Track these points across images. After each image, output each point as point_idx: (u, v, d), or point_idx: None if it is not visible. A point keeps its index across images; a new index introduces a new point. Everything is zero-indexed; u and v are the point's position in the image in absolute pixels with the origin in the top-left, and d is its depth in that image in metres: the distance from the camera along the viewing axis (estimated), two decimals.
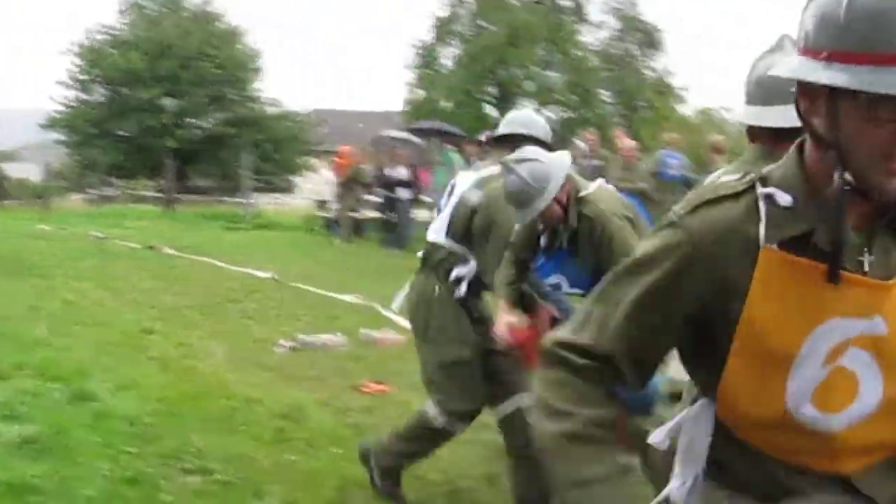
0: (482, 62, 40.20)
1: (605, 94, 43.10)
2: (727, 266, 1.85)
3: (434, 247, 5.10)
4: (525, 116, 5.22)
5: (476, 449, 6.20)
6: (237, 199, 28.21)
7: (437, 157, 21.13)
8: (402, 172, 20.23)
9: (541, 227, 4.43)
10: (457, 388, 4.94)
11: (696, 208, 1.90)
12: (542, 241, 4.46)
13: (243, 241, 20.46)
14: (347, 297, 12.57)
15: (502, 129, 4.99)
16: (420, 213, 22.48)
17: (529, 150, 4.39)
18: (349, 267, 16.67)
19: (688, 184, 13.72)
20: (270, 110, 42.78)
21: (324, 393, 7.53)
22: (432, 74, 41.72)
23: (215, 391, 7.32)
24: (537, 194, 4.22)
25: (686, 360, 2.06)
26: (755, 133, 3.02)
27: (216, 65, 39.63)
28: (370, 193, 23.21)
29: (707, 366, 1.96)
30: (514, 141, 4.81)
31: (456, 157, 20.49)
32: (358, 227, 23.06)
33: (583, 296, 3.98)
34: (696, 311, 1.91)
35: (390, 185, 20.34)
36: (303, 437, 6.27)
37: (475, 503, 5.20)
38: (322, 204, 24.95)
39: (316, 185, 26.35)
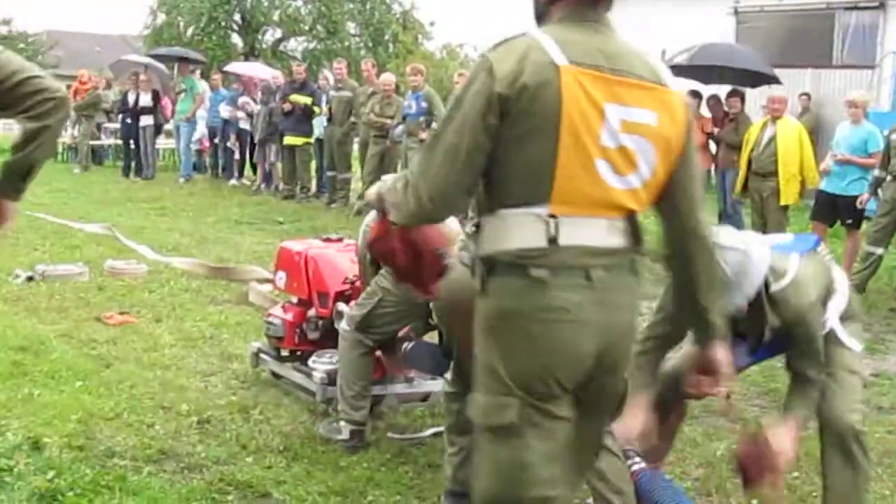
0: None
1: (351, 26, 43.01)
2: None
3: None
4: None
5: (224, 378, 6.20)
6: None
7: (180, 84, 20.57)
8: (144, 99, 19.58)
9: None
10: None
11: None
12: None
13: None
14: (88, 227, 12.16)
15: None
16: (162, 142, 21.93)
17: None
18: (89, 196, 16.11)
19: (429, 123, 13.96)
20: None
21: (65, 325, 7.30)
22: None
23: None
24: None
25: None
26: None
27: None
28: (110, 120, 22.40)
29: None
30: None
31: (200, 85, 20.05)
32: (97, 155, 22.25)
33: None
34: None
35: (132, 111, 19.66)
36: (44, 370, 6.07)
37: (225, 432, 5.20)
38: None
39: None
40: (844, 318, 4.20)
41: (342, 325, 5.29)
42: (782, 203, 10.84)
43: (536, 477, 2.71)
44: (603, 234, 2.69)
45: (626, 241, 2.74)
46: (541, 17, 2.80)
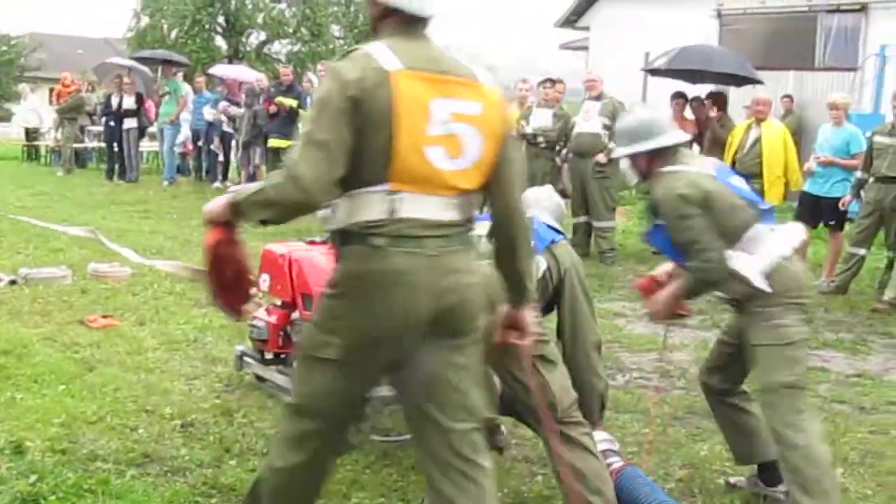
0: None
1: (336, 29, 43.01)
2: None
3: None
4: None
5: (208, 381, 6.20)
6: None
7: (163, 87, 20.53)
8: (128, 102, 19.52)
9: None
10: None
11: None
12: None
13: None
14: (71, 230, 12.10)
15: None
16: (145, 145, 21.86)
17: None
18: (72, 199, 16.06)
19: None
20: None
21: (48, 328, 7.28)
22: (159, 1, 40.29)
23: None
24: None
25: None
26: None
27: None
28: (93, 123, 22.33)
29: None
30: None
31: (184, 87, 20.01)
32: (80, 158, 22.18)
33: None
34: None
35: (116, 114, 19.60)
36: (26, 373, 6.06)
37: (209, 436, 5.19)
38: (33, 133, 23.82)
39: (27, 113, 24.84)
40: (782, 296, 4.30)
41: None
42: None
43: (333, 403, 3.30)
44: (436, 209, 3.20)
45: (460, 215, 3.26)
46: (375, 31, 3.34)
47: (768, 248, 4.31)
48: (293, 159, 3.08)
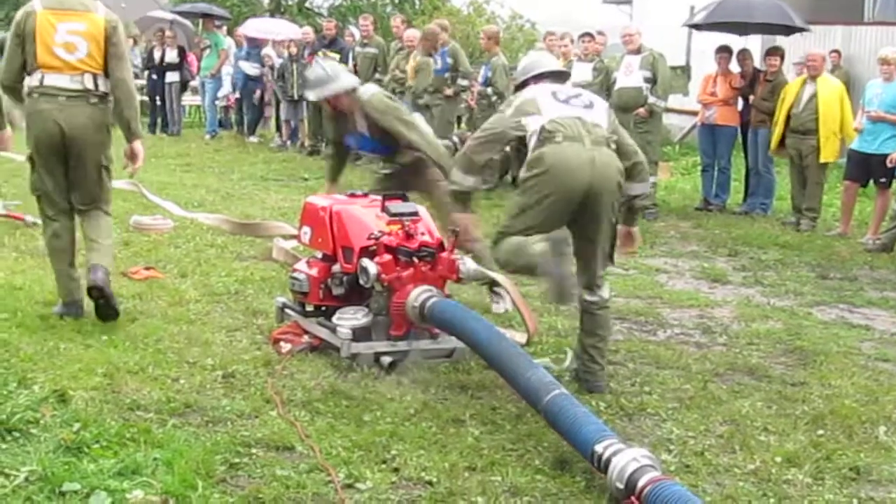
0: None
1: None
2: None
3: None
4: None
5: (249, 333, 6.22)
6: None
7: (204, 41, 20.51)
8: (170, 55, 19.55)
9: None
10: None
11: None
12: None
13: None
14: (114, 183, 12.16)
15: None
16: (188, 99, 21.92)
17: None
18: (115, 152, 16.08)
19: (454, 79, 13.90)
20: None
21: None
22: None
23: None
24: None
25: None
26: None
27: None
28: (137, 77, 22.36)
29: None
30: None
31: (226, 40, 19.99)
32: None
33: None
34: None
35: (158, 68, 19.64)
36: (70, 324, 6.11)
37: (250, 387, 5.22)
38: None
39: None
40: None
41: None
42: (822, 160, 10.86)
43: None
44: (65, 81, 5.98)
45: (84, 85, 6.00)
46: None
47: None
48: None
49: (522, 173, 5.26)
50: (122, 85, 6.10)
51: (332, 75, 6.89)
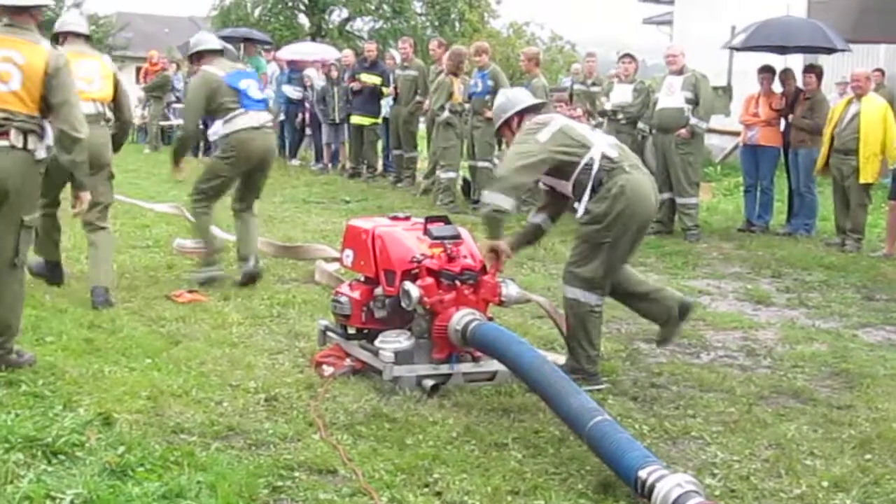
0: None
1: (417, 6, 42.96)
2: None
3: None
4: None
5: (291, 356, 6.24)
6: None
7: (246, 65, 20.64)
8: None
9: None
10: None
11: None
12: None
13: None
14: (158, 207, 12.31)
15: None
16: None
17: None
18: (158, 175, 16.27)
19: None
20: None
21: (136, 303, 7.41)
22: None
23: None
24: None
25: None
26: None
27: None
28: (179, 101, 22.59)
29: None
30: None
31: (268, 65, 20.13)
32: (166, 136, 22.49)
33: None
34: None
35: None
36: (114, 347, 6.17)
37: (292, 410, 5.23)
38: None
39: None
40: None
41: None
42: (861, 181, 10.75)
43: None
44: None
45: (10, 114, 5.43)
46: None
47: None
48: None
49: (600, 207, 5.38)
50: (61, 121, 5.62)
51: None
